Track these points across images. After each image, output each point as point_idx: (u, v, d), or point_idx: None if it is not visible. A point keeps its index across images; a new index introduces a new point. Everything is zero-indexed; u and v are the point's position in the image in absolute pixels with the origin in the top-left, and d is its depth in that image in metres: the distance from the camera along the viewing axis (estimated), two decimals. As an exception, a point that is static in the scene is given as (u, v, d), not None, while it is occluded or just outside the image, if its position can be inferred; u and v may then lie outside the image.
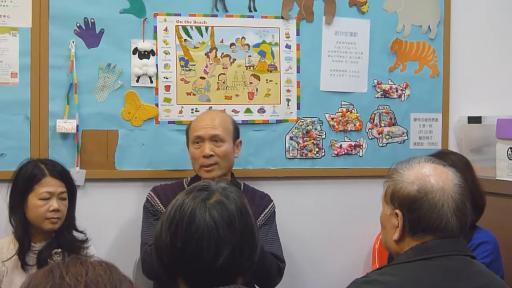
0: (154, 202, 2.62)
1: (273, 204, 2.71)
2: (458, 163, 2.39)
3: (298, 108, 3.08)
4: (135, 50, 2.88)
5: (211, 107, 2.96)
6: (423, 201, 1.68)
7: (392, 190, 1.74)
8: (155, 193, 2.66)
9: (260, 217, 2.61)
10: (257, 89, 3.03)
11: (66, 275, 1.05)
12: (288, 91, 3.07)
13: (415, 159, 1.79)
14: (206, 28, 2.97)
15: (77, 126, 2.80)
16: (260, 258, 2.33)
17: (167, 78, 2.93)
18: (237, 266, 1.44)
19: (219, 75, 2.99)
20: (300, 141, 3.09)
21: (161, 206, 2.59)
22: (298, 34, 3.08)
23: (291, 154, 3.09)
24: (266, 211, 2.65)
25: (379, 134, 3.20)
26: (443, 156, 2.34)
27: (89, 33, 2.83)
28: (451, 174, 1.75)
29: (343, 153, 3.15)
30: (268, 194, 2.74)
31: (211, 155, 2.56)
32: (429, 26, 3.24)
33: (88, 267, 1.07)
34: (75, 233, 2.46)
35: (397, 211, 1.72)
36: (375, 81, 3.18)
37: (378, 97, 3.19)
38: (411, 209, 1.69)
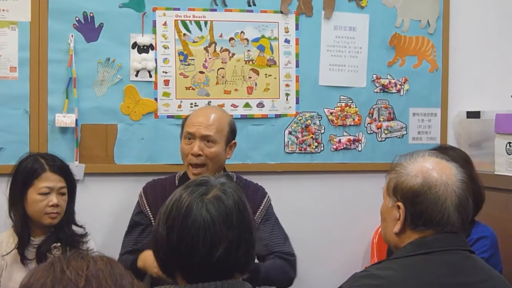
0: (141, 203, 2.59)
1: (268, 197, 2.63)
2: (458, 158, 2.37)
3: (297, 102, 3.09)
4: (134, 45, 2.88)
5: (210, 102, 2.96)
6: (427, 194, 1.68)
7: (395, 183, 1.74)
8: (144, 193, 2.62)
9: (256, 215, 2.53)
10: (256, 84, 3.03)
11: (67, 269, 1.05)
12: (287, 85, 3.07)
13: (419, 153, 1.78)
14: (205, 22, 2.97)
15: (76, 120, 2.80)
16: (264, 277, 2.36)
17: (166, 73, 2.93)
18: (233, 261, 1.44)
19: (218, 69, 2.99)
20: (299, 135, 3.09)
21: (147, 207, 2.57)
22: (297, 28, 3.07)
23: (290, 149, 3.09)
24: (261, 207, 2.57)
25: (378, 128, 3.20)
26: (442, 151, 2.34)
27: (88, 28, 2.83)
28: (454, 169, 1.74)
29: (342, 147, 3.15)
30: (262, 186, 2.67)
31: (200, 155, 2.48)
32: (428, 21, 3.24)
33: (89, 261, 1.08)
34: (74, 228, 2.47)
35: (399, 203, 1.71)
36: (374, 75, 3.18)
37: (377, 92, 3.19)
38: (414, 202, 1.69)
